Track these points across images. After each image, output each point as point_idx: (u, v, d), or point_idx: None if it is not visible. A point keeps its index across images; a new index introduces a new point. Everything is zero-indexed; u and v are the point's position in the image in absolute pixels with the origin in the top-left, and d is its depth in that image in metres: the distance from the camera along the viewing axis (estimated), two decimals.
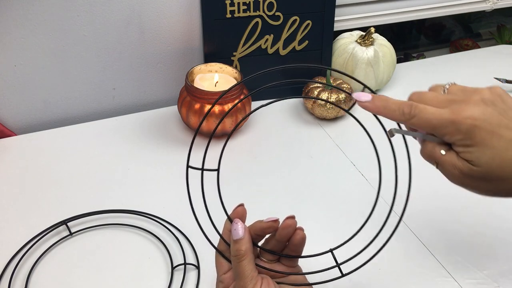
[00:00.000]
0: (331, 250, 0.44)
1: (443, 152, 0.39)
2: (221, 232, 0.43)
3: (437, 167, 0.40)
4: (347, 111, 0.43)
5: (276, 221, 0.42)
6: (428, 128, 0.39)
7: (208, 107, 0.73)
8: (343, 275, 0.43)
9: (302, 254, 0.44)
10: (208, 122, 0.73)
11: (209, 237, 0.43)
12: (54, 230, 0.60)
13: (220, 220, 0.43)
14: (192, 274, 0.56)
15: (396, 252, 0.59)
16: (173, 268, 0.56)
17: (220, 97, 0.43)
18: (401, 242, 0.61)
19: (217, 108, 0.73)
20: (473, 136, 0.37)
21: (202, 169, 0.42)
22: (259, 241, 0.44)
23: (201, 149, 0.42)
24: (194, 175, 0.42)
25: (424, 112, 0.38)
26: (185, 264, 0.56)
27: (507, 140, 0.36)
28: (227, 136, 0.43)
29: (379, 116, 0.41)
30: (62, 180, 0.69)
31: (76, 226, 0.61)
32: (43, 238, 0.59)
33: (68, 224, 0.61)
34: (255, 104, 0.83)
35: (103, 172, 0.71)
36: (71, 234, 0.60)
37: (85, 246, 0.59)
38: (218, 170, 0.42)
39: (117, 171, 0.71)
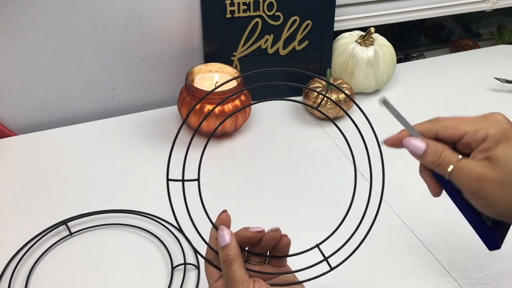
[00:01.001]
0: (317, 245, 0.44)
1: (460, 156, 0.37)
2: (207, 241, 0.43)
3: (448, 176, 0.38)
4: (316, 108, 0.43)
5: (261, 231, 0.42)
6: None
7: (208, 107, 0.73)
8: (331, 268, 0.43)
9: (290, 253, 0.44)
10: (208, 122, 0.73)
11: (197, 247, 0.43)
12: (54, 230, 0.60)
13: (208, 227, 0.43)
14: (192, 274, 0.56)
15: (396, 252, 0.59)
16: (173, 268, 0.56)
17: (208, 94, 0.43)
18: (401, 242, 0.61)
19: (217, 109, 0.73)
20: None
21: (183, 180, 0.41)
22: (245, 247, 0.44)
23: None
24: (189, 173, 0.42)
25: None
26: (185, 264, 0.56)
27: None
28: (207, 138, 0.42)
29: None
30: (62, 180, 0.69)
31: (76, 226, 0.61)
32: (43, 238, 0.59)
33: (68, 224, 0.61)
34: (255, 105, 0.83)
35: (103, 172, 0.71)
36: (71, 234, 0.60)
37: (85, 246, 0.59)
38: (198, 179, 0.42)
39: (117, 171, 0.71)
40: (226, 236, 0.40)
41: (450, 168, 0.37)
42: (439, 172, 0.39)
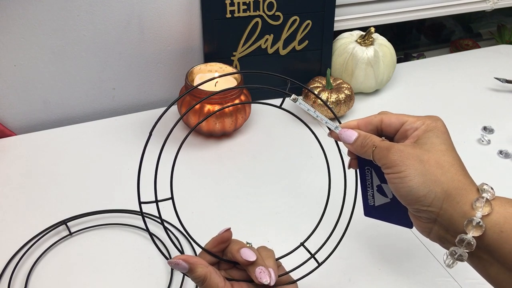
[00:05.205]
0: (302, 244, 0.44)
1: (383, 137, 0.43)
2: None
3: (371, 153, 0.42)
4: (280, 107, 0.45)
5: (228, 229, 0.42)
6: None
7: (208, 107, 0.73)
8: (319, 264, 0.44)
9: (278, 255, 0.44)
10: (208, 122, 0.73)
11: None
12: (54, 230, 0.60)
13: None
14: None
15: (396, 252, 0.59)
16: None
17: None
18: (401, 242, 0.61)
19: (217, 108, 0.73)
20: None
21: (156, 201, 0.40)
22: (220, 254, 0.43)
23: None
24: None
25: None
26: None
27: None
28: (181, 142, 0.42)
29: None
30: (62, 180, 0.69)
31: (76, 226, 0.61)
32: (43, 238, 0.59)
33: (68, 224, 0.61)
34: (254, 105, 0.83)
35: (103, 172, 0.71)
36: (71, 234, 0.60)
37: (85, 246, 0.59)
38: (172, 198, 0.40)
39: (117, 171, 0.71)
40: (182, 264, 0.39)
41: (374, 147, 0.42)
42: (363, 154, 0.43)
